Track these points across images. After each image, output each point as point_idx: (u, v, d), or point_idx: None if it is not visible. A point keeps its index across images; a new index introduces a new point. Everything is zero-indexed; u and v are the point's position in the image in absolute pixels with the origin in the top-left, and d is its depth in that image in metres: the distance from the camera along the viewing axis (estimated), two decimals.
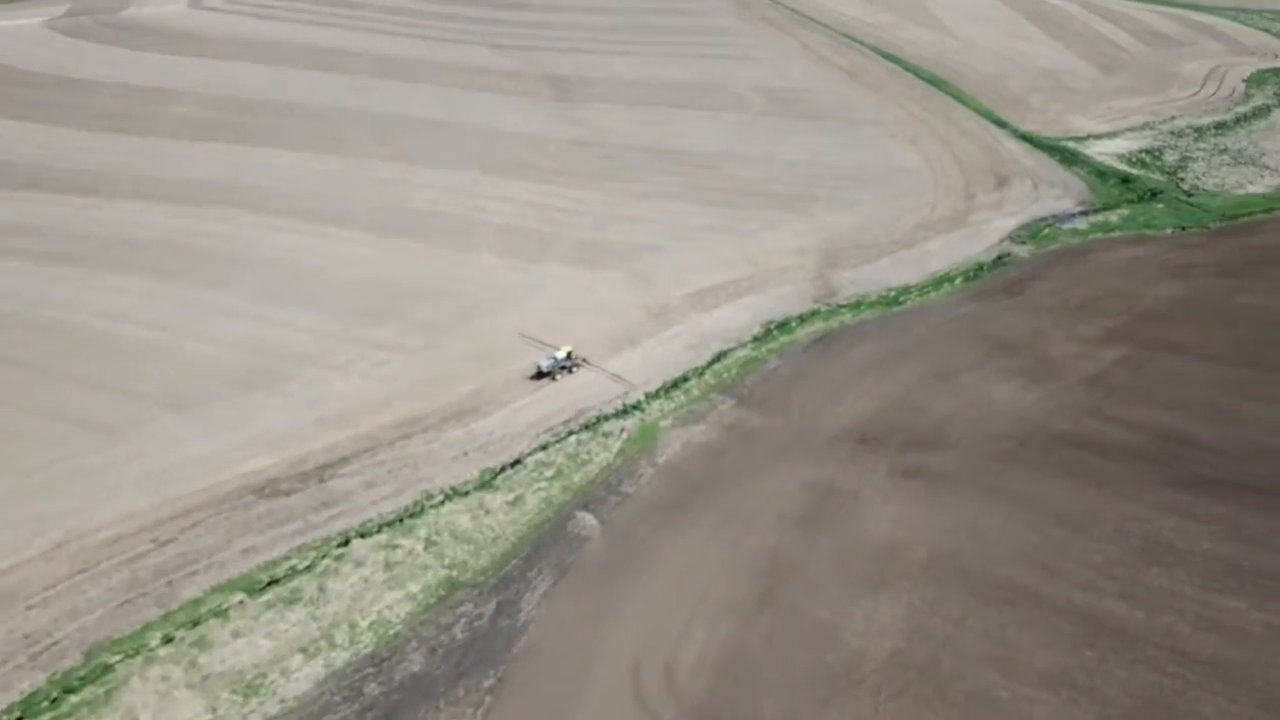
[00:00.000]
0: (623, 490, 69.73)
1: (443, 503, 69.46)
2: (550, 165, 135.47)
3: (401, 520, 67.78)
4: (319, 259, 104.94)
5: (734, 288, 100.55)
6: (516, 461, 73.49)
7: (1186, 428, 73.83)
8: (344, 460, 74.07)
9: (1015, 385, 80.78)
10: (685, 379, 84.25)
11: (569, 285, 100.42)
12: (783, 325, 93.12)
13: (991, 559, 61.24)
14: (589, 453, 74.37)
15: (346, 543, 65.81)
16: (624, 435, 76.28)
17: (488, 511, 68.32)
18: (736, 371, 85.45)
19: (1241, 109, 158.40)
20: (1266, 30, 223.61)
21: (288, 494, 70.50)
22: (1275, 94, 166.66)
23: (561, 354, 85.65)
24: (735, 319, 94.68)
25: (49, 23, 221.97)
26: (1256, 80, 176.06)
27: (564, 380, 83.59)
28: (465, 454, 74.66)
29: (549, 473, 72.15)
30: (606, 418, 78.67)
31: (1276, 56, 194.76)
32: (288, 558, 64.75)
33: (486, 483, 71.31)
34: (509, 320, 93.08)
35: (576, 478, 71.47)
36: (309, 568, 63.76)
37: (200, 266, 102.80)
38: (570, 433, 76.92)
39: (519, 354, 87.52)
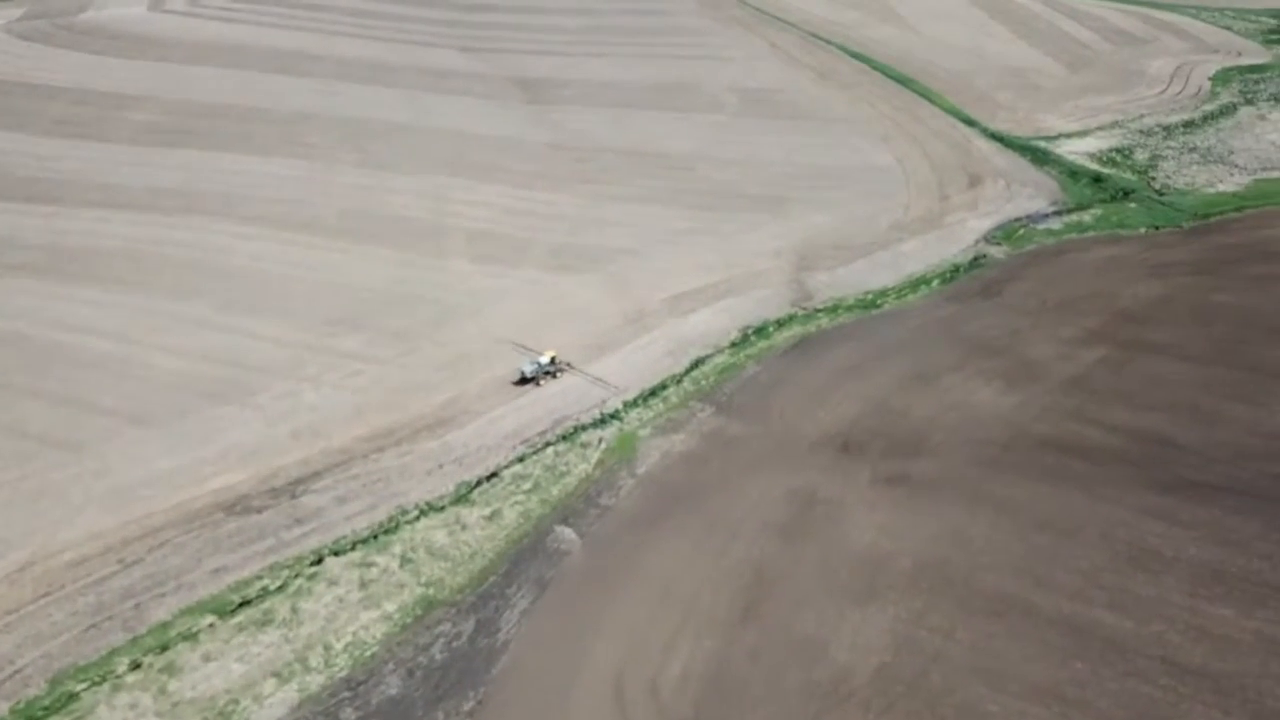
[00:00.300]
0: (602, 502, 68.50)
1: (418, 518, 67.90)
2: (523, 169, 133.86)
3: (376, 537, 66.17)
4: (288, 267, 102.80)
5: (711, 292, 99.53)
6: (493, 474, 72.06)
7: (1168, 430, 73.63)
8: (316, 475, 72.29)
9: (996, 388, 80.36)
10: (664, 386, 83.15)
11: (544, 291, 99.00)
12: (760, 330, 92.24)
13: (978, 568, 60.60)
14: (567, 464, 73.05)
15: (320, 561, 64.14)
16: (602, 445, 75.03)
17: (464, 527, 66.83)
18: (715, 378, 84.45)
19: (1208, 107, 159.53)
20: (1228, 28, 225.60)
21: (259, 511, 68.64)
22: (1240, 92, 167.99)
23: (545, 359, 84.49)
24: (713, 324, 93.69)
25: (4, 26, 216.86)
26: (1221, 78, 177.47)
27: (541, 389, 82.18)
28: (440, 467, 73.10)
29: (526, 486, 70.78)
30: (584, 427, 77.40)
31: (1240, 54, 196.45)
32: (259, 577, 62.96)
33: (462, 497, 69.81)
34: (483, 327, 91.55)
35: (555, 490, 70.14)
36: (281, 588, 62.01)
37: (166, 276, 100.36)
38: (547, 444, 75.58)
39: (494, 362, 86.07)
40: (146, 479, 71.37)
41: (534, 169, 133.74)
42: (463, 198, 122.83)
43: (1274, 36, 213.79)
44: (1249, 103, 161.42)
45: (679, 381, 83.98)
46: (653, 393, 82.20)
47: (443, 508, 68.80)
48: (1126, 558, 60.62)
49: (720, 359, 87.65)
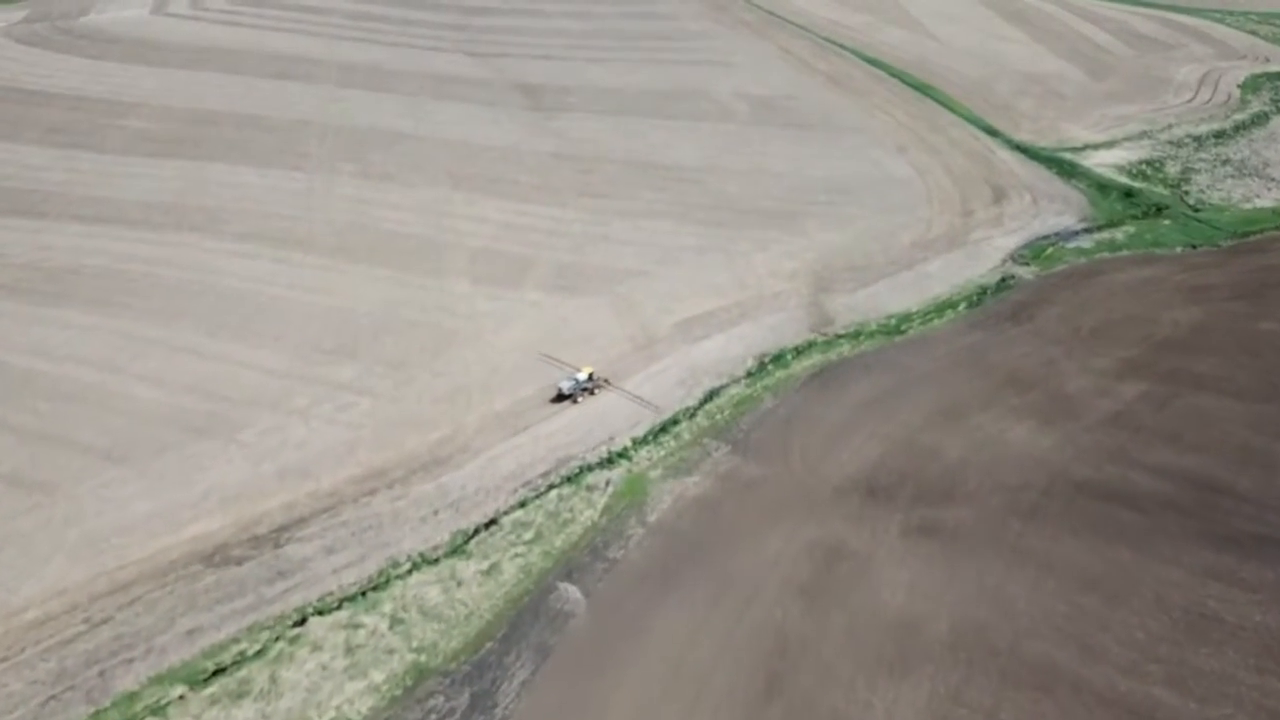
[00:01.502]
0: (610, 555, 63.34)
1: (410, 572, 62.85)
2: (526, 181, 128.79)
3: (365, 594, 61.14)
4: (280, 289, 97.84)
5: (724, 315, 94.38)
6: (492, 521, 66.98)
7: (1220, 474, 68.30)
8: (302, 521, 67.30)
9: (1030, 426, 75.04)
10: (675, 421, 77.99)
11: (547, 315, 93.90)
12: (778, 358, 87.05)
13: (1021, 634, 55.36)
14: (571, 510, 67.93)
15: (303, 621, 59.15)
16: (610, 489, 69.87)
17: (460, 583, 61.74)
18: (730, 412, 79.26)
19: (1239, 116, 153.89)
20: (1254, 33, 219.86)
21: (239, 562, 63.68)
22: (1272, 100, 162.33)
23: (583, 375, 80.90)
24: (727, 351, 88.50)
25: (4, 30, 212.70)
26: (1251, 85, 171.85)
27: (540, 426, 77.08)
28: (435, 513, 68.03)
29: (528, 535, 65.65)
30: (590, 468, 72.26)
31: (1268, 60, 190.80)
32: (236, 640, 57.99)
33: (458, 548, 64.73)
34: (483, 356, 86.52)
35: (558, 541, 65.00)
36: (260, 653, 57.00)
37: (152, 298, 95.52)
38: (550, 486, 70.45)
39: (494, 393, 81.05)
40: (120, 525, 66.49)
41: (537, 181, 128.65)
42: (464, 212, 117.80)
43: None
44: None
45: (692, 416, 78.80)
46: (663, 428, 77.05)
47: (437, 560, 63.74)
48: (1184, 625, 55.34)
49: (735, 390, 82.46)
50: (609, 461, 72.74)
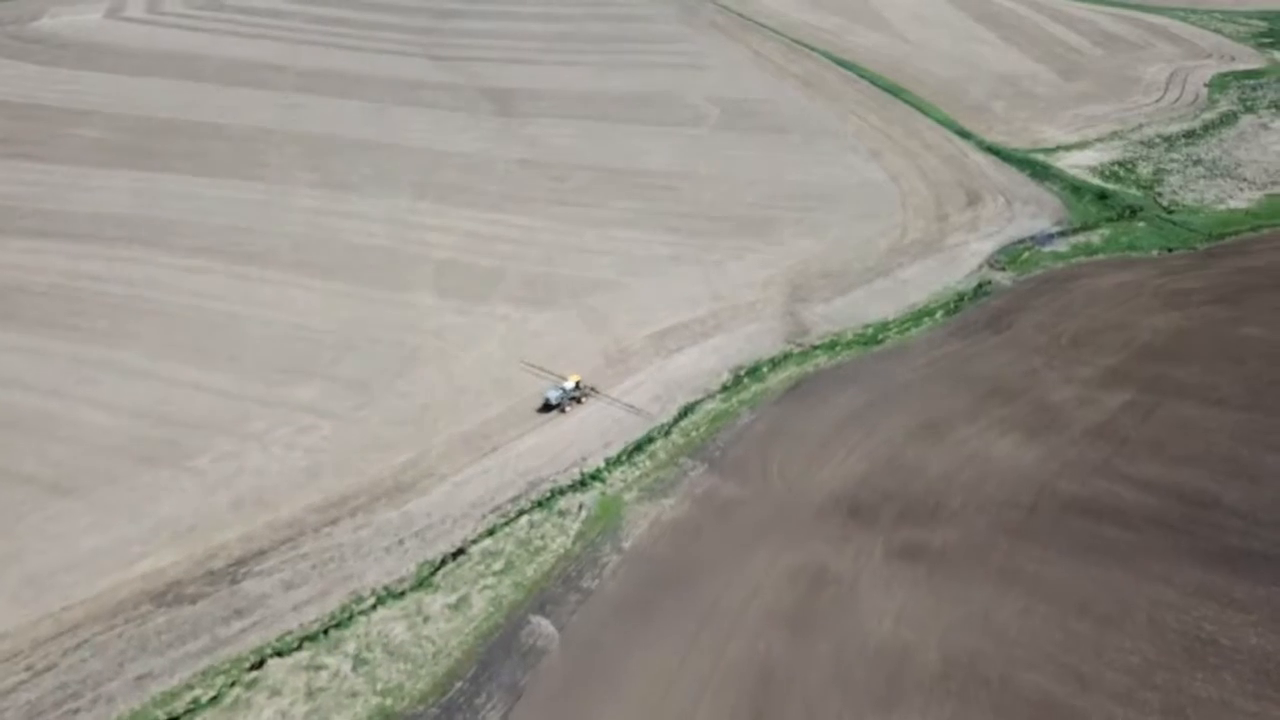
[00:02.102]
0: (584, 585, 60.49)
1: (375, 607, 59.72)
2: (495, 189, 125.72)
3: (326, 632, 57.94)
4: (236, 305, 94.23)
5: (698, 327, 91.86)
6: (459, 551, 63.93)
7: (1209, 487, 66.52)
8: (260, 554, 63.98)
9: (1014, 439, 73.03)
10: (650, 439, 75.29)
11: (516, 329, 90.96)
12: (754, 371, 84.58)
13: (1014, 663, 53.13)
14: (543, 537, 65.03)
15: (261, 664, 55.86)
16: (583, 514, 67.03)
17: (427, 618, 58.69)
18: (706, 428, 76.66)
19: (1208, 116, 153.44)
20: (1218, 31, 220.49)
21: (193, 601, 60.29)
22: (1239, 99, 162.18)
23: (569, 384, 78.99)
24: (701, 364, 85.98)
25: None
26: (1218, 84, 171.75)
27: (510, 447, 74.16)
28: (400, 542, 64.93)
29: (497, 565, 62.68)
30: (562, 491, 69.38)
31: (1234, 59, 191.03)
32: (190, 686, 54.64)
33: (425, 580, 61.66)
34: (449, 374, 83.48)
35: (529, 570, 62.08)
36: (215, 699, 53.70)
37: (101, 317, 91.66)
38: (521, 512, 67.49)
39: (461, 414, 78.04)
40: (66, 563, 62.90)
41: (505, 189, 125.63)
42: (429, 222, 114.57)
43: (1266, 40, 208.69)
44: (1249, 110, 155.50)
45: (667, 433, 76.10)
46: (638, 447, 74.31)
47: (403, 593, 60.63)
48: (1180, 649, 53.34)
49: (711, 406, 79.87)
50: (582, 484, 69.90)
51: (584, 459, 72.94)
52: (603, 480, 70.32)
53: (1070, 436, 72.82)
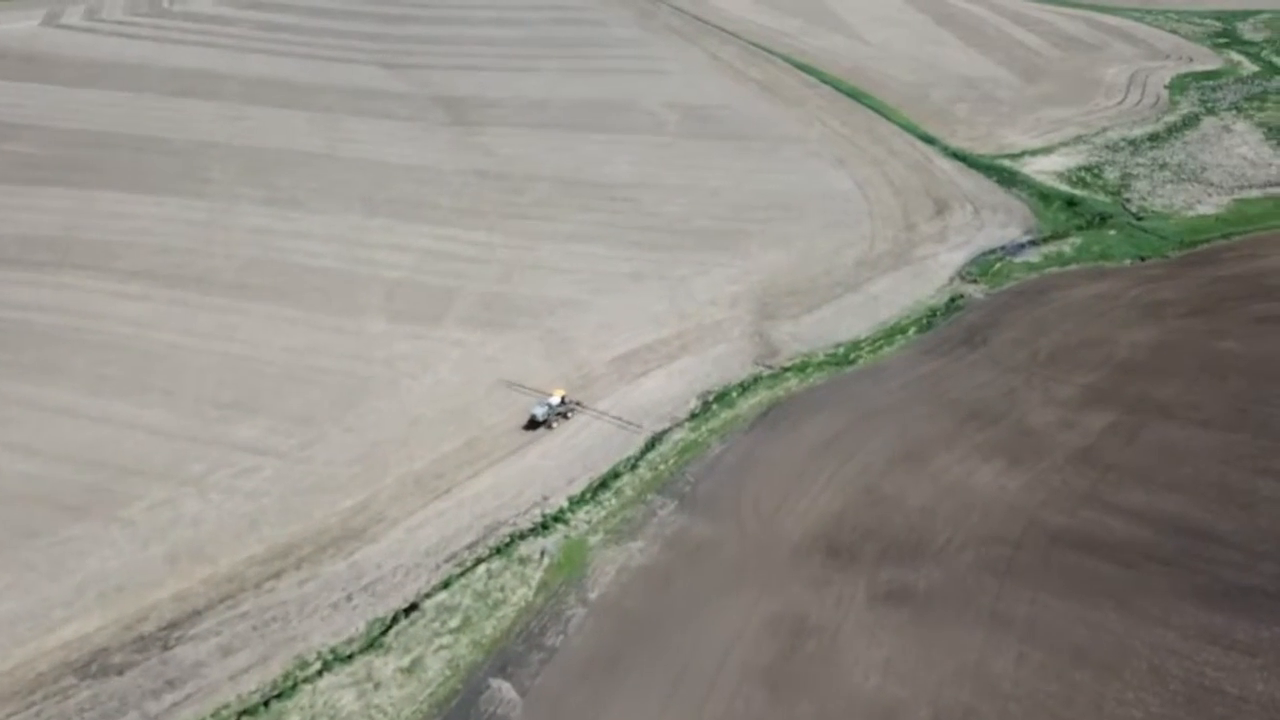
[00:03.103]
0: (547, 643, 56.19)
1: (321, 673, 55.01)
2: (449, 204, 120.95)
3: (268, 703, 53.17)
4: (174, 334, 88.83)
5: (664, 350, 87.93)
6: (412, 607, 59.37)
7: (1199, 516, 63.70)
8: (195, 615, 59.04)
9: (996, 467, 69.83)
10: (616, 474, 71.12)
11: (473, 354, 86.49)
12: (723, 397, 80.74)
13: None
14: (503, 589, 60.62)
15: None
16: (545, 561, 62.70)
17: (378, 684, 54.08)
18: (675, 461, 72.67)
19: (1170, 118, 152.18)
20: (1175, 31, 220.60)
21: (120, 671, 55.26)
22: (1200, 100, 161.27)
23: (555, 399, 76.63)
24: (668, 389, 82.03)
25: None
26: (1178, 86, 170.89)
27: (466, 486, 69.65)
28: (348, 598, 60.25)
29: (453, 622, 58.19)
30: (523, 535, 65.00)
31: (1191, 60, 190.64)
32: None
33: (375, 640, 57.03)
34: (400, 406, 78.85)
35: (488, 627, 57.66)
36: None
37: (24, 349, 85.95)
38: (478, 560, 63.02)
39: (413, 450, 73.47)
40: None
41: (460, 203, 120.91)
42: (380, 240, 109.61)
43: (1221, 40, 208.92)
44: (1210, 112, 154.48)
45: (633, 467, 72.01)
46: (603, 484, 70.12)
47: (351, 656, 55.97)
48: (1185, 700, 50.19)
49: (679, 435, 75.90)
50: (543, 526, 65.58)
51: (545, 498, 68.65)
52: (566, 522, 66.07)
53: (1054, 463, 69.75)
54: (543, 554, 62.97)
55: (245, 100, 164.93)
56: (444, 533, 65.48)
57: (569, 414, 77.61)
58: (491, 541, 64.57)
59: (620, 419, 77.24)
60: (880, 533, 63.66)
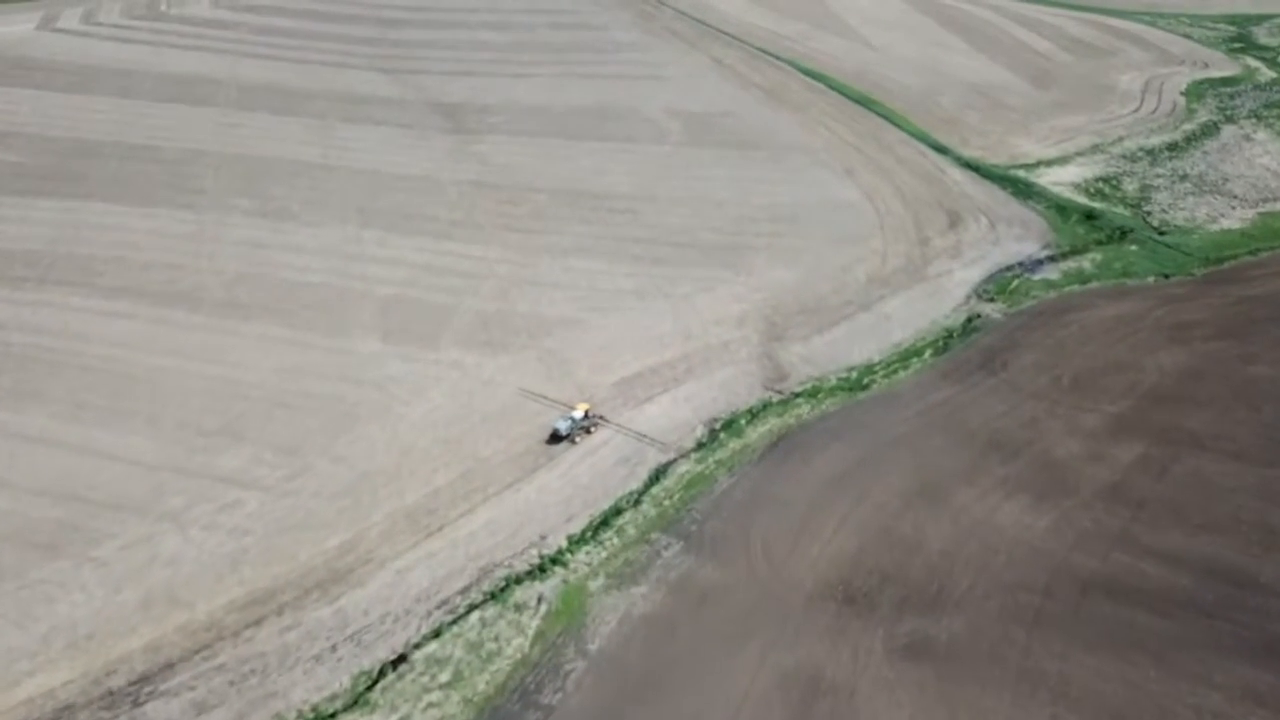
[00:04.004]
0: (544, 701, 52.51)
1: None
2: (445, 215, 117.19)
3: None
4: (157, 356, 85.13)
5: (668, 373, 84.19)
6: (400, 659, 55.69)
7: (1239, 561, 59.98)
8: (169, 667, 55.41)
9: (1020, 504, 66.04)
10: (618, 511, 67.37)
11: (469, 377, 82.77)
12: (730, 424, 77.00)
13: None
14: (497, 639, 56.92)
15: None
16: (542, 608, 58.98)
17: None
18: (680, 496, 68.92)
19: (1189, 127, 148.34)
20: (1187, 36, 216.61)
21: None
22: (1218, 108, 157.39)
23: (578, 413, 74.57)
24: (673, 417, 78.31)
25: None
26: (1195, 92, 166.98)
27: (459, 524, 65.90)
28: (333, 649, 56.55)
29: (444, 676, 54.49)
30: (519, 579, 61.28)
31: (1207, 65, 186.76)
32: None
33: (360, 696, 53.36)
34: (392, 433, 75.16)
35: (481, 683, 53.95)
36: None
37: (1, 374, 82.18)
38: (471, 607, 59.31)
39: (404, 483, 69.79)
40: None
41: (456, 215, 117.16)
42: (374, 254, 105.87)
43: (1237, 45, 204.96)
44: (1229, 120, 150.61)
45: (636, 502, 68.27)
46: (604, 522, 66.38)
47: (334, 715, 52.34)
48: None
49: (685, 467, 72.16)
50: (541, 569, 61.85)
51: (543, 537, 64.92)
52: (564, 564, 62.33)
53: (1082, 500, 65.98)
54: (540, 600, 59.28)
55: (239, 107, 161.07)
56: (435, 575, 61.76)
57: (593, 429, 75.19)
58: (485, 586, 60.86)
59: (645, 435, 74.57)
60: (898, 578, 59.90)
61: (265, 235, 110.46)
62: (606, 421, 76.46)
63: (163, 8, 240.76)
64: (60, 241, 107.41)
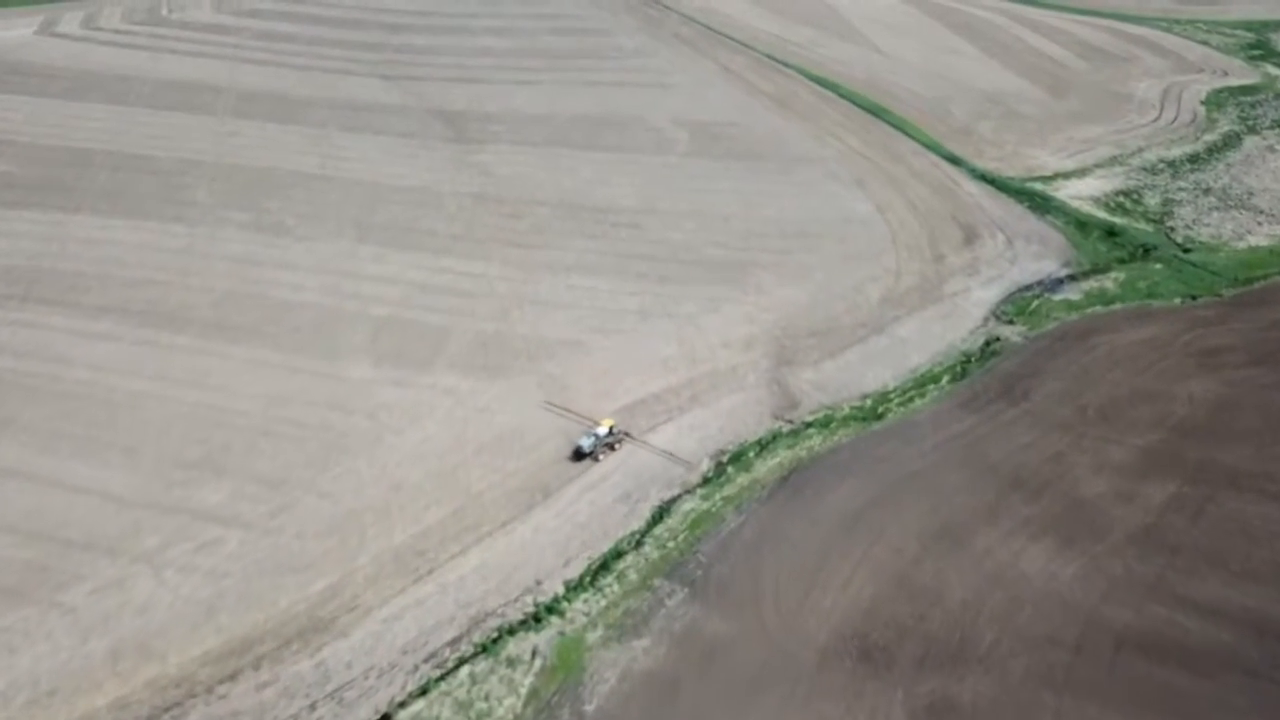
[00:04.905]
0: None
1: None
2: (444, 229, 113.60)
3: None
4: (141, 381, 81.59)
5: (673, 400, 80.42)
6: (384, 719, 51.85)
7: None
8: None
9: (1046, 548, 62.09)
10: (619, 554, 63.55)
11: (463, 406, 79.03)
12: (738, 457, 73.14)
13: None
14: (488, 697, 53.12)
15: None
16: (537, 663, 55.18)
17: None
18: (685, 537, 65.07)
19: (1210, 137, 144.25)
20: (1205, 43, 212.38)
21: None
22: (1240, 118, 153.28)
23: (603, 430, 72.30)
24: (679, 447, 74.53)
25: None
26: (1214, 101, 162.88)
27: (449, 567, 62.14)
28: (312, 707, 52.83)
29: None
30: (512, 630, 57.47)
31: (1226, 73, 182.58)
32: None
33: None
34: (382, 467, 71.50)
35: None
36: None
37: None
38: (461, 660, 55.54)
39: (393, 521, 66.12)
40: None
41: (456, 229, 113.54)
42: (370, 271, 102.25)
43: (1256, 52, 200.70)
44: (1252, 131, 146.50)
45: (638, 544, 64.45)
46: (603, 566, 62.56)
47: None
48: None
49: (690, 504, 68.32)
50: (535, 619, 58.06)
51: (539, 582, 61.12)
52: (561, 613, 58.52)
53: (1113, 544, 62.00)
54: (534, 654, 55.49)
55: (237, 114, 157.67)
56: (423, 625, 58.01)
57: (617, 445, 73.04)
58: (477, 637, 57.07)
59: (669, 454, 72.52)
60: (918, 632, 56.00)
61: (258, 250, 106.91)
62: (631, 438, 74.23)
63: (164, 12, 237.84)
64: (45, 257, 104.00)
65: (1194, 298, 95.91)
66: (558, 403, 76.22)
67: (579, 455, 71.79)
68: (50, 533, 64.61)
